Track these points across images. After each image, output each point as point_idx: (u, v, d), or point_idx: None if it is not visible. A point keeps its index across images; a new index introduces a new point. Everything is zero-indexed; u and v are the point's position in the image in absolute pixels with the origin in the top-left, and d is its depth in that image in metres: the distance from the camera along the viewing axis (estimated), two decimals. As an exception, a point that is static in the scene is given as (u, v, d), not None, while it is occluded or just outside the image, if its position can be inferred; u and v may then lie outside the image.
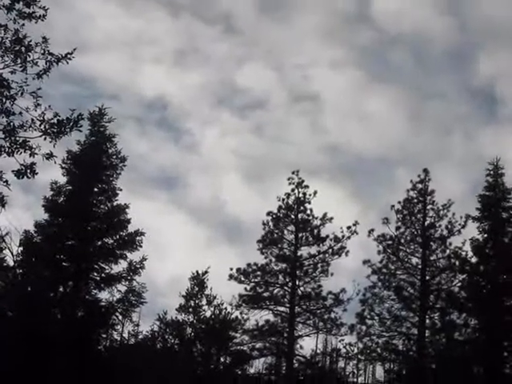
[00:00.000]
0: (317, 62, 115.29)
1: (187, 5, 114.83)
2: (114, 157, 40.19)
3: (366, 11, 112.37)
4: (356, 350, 47.47)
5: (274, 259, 45.07)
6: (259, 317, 44.62)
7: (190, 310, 46.77)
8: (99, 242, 39.52)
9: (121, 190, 40.07)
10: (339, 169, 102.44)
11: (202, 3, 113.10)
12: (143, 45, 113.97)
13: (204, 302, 47.22)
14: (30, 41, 22.21)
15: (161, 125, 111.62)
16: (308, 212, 45.34)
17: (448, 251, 43.29)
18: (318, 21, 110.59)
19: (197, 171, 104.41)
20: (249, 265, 44.85)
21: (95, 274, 38.94)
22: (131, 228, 39.43)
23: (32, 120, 21.74)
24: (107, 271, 38.98)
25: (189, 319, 46.84)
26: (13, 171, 21.53)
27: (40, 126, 21.72)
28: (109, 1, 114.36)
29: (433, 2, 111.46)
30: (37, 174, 21.65)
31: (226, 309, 46.91)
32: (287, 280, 44.83)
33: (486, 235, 42.07)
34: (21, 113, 21.97)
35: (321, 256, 44.85)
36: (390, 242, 44.08)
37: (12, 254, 38.63)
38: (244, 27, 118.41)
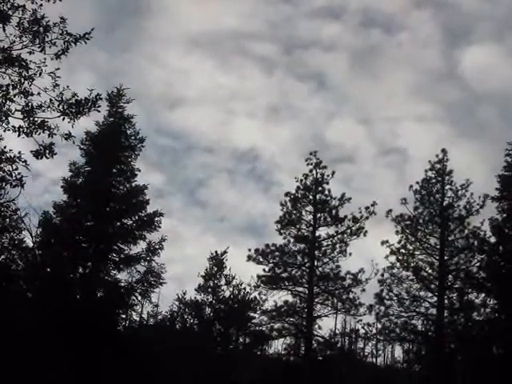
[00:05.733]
0: (404, 117, 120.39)
1: (281, 62, 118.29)
2: (133, 137, 40.14)
3: (454, 69, 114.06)
4: (375, 331, 47.50)
5: (292, 240, 45.20)
6: (278, 297, 44.84)
7: (209, 290, 46.82)
8: (118, 223, 39.52)
9: (139, 170, 40.15)
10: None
11: (295, 60, 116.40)
12: (237, 100, 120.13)
13: (223, 282, 47.27)
14: (48, 21, 22.24)
15: (251, 176, 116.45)
16: (326, 192, 45.39)
17: (466, 231, 43.19)
18: (407, 77, 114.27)
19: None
20: (267, 245, 44.98)
21: (114, 254, 38.95)
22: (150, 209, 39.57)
23: (50, 100, 21.87)
24: (126, 252, 38.98)
25: (208, 299, 46.93)
26: (31, 151, 21.67)
27: (58, 106, 21.82)
28: (204, 58, 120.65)
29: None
30: (55, 154, 21.79)
31: (244, 289, 46.97)
32: (305, 260, 44.88)
33: (504, 215, 41.83)
34: (39, 93, 22.10)
35: (339, 236, 44.86)
36: (408, 223, 44.02)
37: (31, 235, 38.57)
38: (335, 83, 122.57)
